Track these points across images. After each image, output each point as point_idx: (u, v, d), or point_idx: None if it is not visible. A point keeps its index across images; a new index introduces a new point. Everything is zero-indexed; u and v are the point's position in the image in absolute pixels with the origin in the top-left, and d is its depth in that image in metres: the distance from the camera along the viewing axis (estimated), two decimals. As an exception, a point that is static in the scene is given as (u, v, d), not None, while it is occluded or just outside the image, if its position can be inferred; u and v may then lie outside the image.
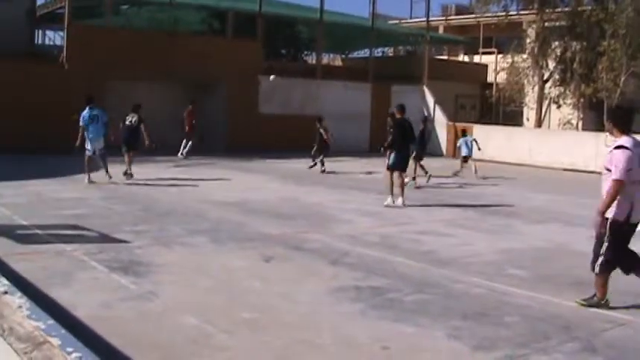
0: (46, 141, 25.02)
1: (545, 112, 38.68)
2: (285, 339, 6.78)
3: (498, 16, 38.56)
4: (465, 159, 24.71)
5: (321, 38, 36.72)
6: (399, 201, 15.99)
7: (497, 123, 40.15)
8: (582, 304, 8.30)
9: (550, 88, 37.69)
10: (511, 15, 38.70)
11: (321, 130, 24.12)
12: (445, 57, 50.91)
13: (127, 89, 29.08)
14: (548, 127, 39.10)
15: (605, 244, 8.11)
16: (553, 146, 30.35)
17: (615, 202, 7.95)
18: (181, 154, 26.50)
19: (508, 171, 27.32)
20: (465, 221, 14.43)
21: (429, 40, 40.38)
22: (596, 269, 8.21)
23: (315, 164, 23.88)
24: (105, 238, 11.23)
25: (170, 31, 33.48)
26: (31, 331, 5.38)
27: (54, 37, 43.12)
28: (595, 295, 8.30)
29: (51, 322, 5.57)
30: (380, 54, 49.82)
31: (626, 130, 8.19)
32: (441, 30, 49.54)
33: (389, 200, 16.00)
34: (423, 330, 7.15)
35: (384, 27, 42.97)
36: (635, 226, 8.21)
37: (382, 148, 17.05)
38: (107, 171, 18.60)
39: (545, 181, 23.93)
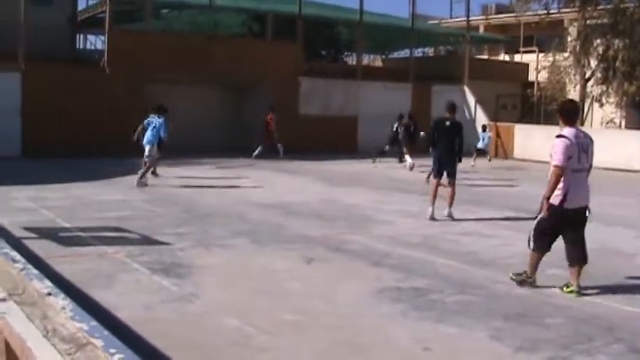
0: (88, 144, 25.29)
1: (588, 110, 38.32)
2: (326, 340, 6.79)
3: (539, 15, 38.28)
4: (479, 151, 26.83)
5: (361, 39, 36.68)
6: (445, 212, 14.43)
7: (538, 122, 39.87)
8: (512, 279, 9.21)
9: (592, 86, 37.32)
10: (552, 13, 38.38)
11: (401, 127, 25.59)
12: (486, 56, 50.64)
13: (167, 92, 29.30)
14: (591, 126, 38.73)
15: (536, 221, 9.09)
16: (595, 145, 29.92)
17: (559, 187, 8.81)
18: (281, 155, 27.20)
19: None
20: (506, 222, 14.32)
21: (470, 40, 40.16)
22: (531, 246, 9.14)
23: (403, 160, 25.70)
24: (147, 240, 11.31)
25: (210, 34, 33.65)
26: (75, 332, 5.41)
27: (95, 42, 43.56)
28: (526, 275, 9.19)
29: (94, 323, 5.60)
30: (420, 54, 49.68)
31: (570, 122, 9.10)
32: (481, 29, 49.28)
33: (429, 212, 14.25)
34: (465, 331, 7.12)
35: (424, 27, 42.85)
36: (574, 211, 8.93)
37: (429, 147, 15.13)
38: (141, 175, 18.56)
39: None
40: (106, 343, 5.17)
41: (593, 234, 13.14)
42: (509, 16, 46.49)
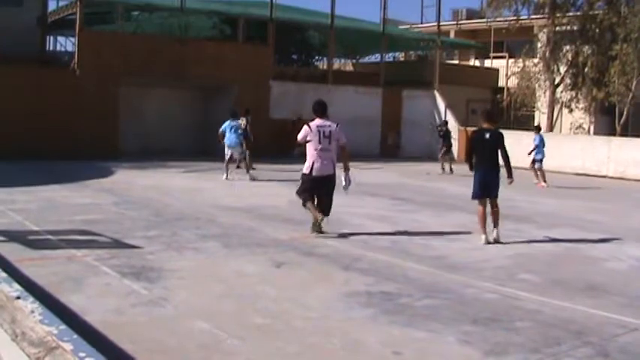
0: (57, 147, 25.14)
1: (557, 116, 38.62)
2: (296, 344, 6.78)
3: (509, 21, 38.55)
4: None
5: (333, 43, 36.77)
6: (494, 234, 12.63)
7: (508, 127, 40.08)
8: (313, 233, 12.63)
9: (561, 92, 37.65)
10: (522, 19, 38.67)
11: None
12: (456, 61, 50.87)
13: (138, 95, 29.28)
14: (560, 131, 39.04)
15: (299, 185, 12.88)
16: (564, 151, 30.27)
17: (307, 161, 12.54)
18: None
19: (519, 175, 27.23)
20: (475, 226, 14.35)
21: (440, 45, 40.36)
22: (302, 201, 12.84)
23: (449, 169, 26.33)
24: (117, 244, 11.25)
25: (181, 36, 33.59)
26: (44, 336, 5.38)
27: (65, 44, 43.24)
28: (317, 219, 12.66)
29: (63, 327, 5.57)
30: (391, 59, 49.81)
31: (318, 115, 12.79)
32: (452, 34, 49.52)
33: (483, 239, 12.49)
34: (435, 335, 7.14)
35: (395, 32, 43.00)
36: (321, 178, 12.52)
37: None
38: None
39: (556, 186, 23.84)
40: (75, 346, 5.14)
41: (562, 239, 13.29)
42: (479, 22, 46.79)
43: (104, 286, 8.63)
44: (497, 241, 12.47)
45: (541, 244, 12.68)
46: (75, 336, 5.37)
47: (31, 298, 6.46)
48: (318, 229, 12.72)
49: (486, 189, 12.73)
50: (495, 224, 12.66)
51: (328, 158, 12.53)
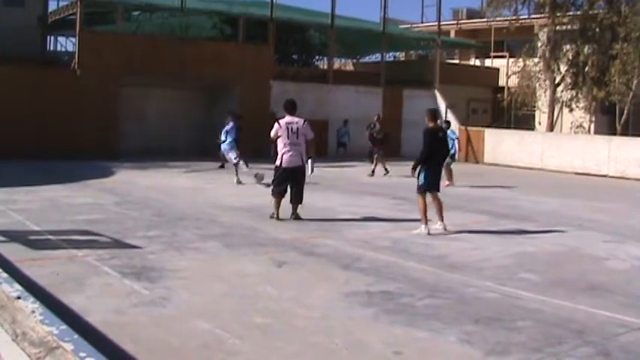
0: (58, 147, 25.15)
1: (557, 115, 38.59)
2: (297, 344, 6.77)
3: (510, 20, 38.53)
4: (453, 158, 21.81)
5: (333, 43, 36.76)
6: (438, 226, 13.44)
7: (509, 127, 40.10)
8: (272, 217, 14.05)
9: (562, 91, 37.60)
10: (522, 18, 38.65)
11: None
12: (456, 61, 50.85)
13: (139, 95, 29.27)
14: (560, 130, 39.01)
15: (272, 179, 14.47)
16: (565, 150, 30.27)
17: (278, 155, 14.01)
18: None
19: (519, 175, 27.27)
20: (476, 225, 14.38)
21: (441, 44, 40.34)
22: (271, 193, 14.30)
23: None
24: (117, 244, 11.24)
25: (181, 36, 33.58)
26: (44, 336, 5.38)
27: (66, 44, 43.26)
28: (273, 213, 14.11)
29: (64, 327, 5.57)
30: (391, 58, 49.79)
31: (288, 112, 14.15)
32: (452, 34, 49.49)
33: (422, 229, 13.15)
34: (436, 335, 7.13)
35: (396, 31, 42.96)
36: (290, 169, 13.98)
37: (412, 169, 13.42)
38: (236, 174, 20.87)
39: (557, 185, 23.85)
40: (76, 346, 5.14)
41: (563, 238, 13.29)
42: (480, 21, 46.76)
43: (105, 286, 8.62)
44: (446, 230, 13.42)
45: (542, 244, 12.67)
46: (75, 336, 5.37)
47: (32, 298, 6.46)
48: (274, 217, 14.14)
49: (435, 184, 13.60)
50: (442, 216, 13.56)
51: (296, 151, 14.03)
